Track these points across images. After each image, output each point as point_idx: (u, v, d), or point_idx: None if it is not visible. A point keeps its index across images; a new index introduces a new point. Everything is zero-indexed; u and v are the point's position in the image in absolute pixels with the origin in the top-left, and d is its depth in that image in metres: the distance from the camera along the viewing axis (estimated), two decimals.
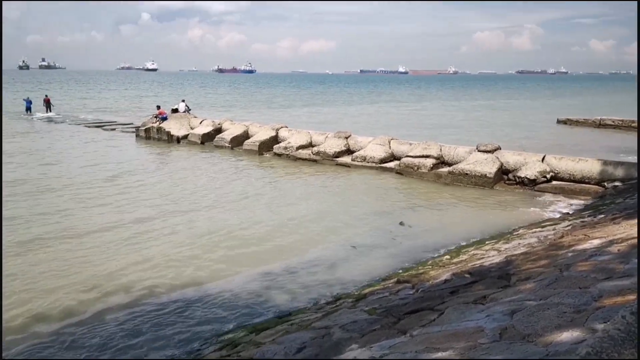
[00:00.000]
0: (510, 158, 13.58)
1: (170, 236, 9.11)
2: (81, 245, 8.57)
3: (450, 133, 23.98)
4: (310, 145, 18.10)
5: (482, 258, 6.68)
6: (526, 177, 12.78)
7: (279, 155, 18.03)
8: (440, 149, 14.99)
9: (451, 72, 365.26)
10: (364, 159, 15.96)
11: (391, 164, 15.60)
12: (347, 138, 17.46)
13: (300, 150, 17.73)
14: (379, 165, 15.58)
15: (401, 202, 11.86)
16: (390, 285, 6.34)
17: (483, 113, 39.00)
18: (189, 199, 11.92)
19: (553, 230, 7.94)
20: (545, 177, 12.73)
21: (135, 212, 10.64)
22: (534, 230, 8.56)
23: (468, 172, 13.42)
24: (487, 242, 8.26)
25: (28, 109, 31.43)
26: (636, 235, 4.93)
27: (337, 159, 16.62)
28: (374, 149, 16.15)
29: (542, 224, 9.17)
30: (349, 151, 17.05)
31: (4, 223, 9.62)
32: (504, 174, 13.49)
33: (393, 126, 27.24)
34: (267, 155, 18.37)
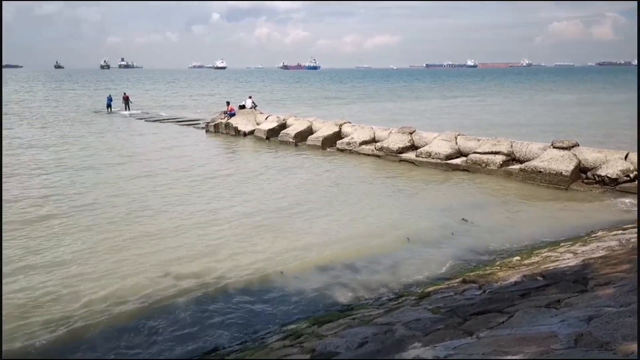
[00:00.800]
0: (589, 155, 12.70)
1: (237, 228, 9.43)
2: (157, 231, 9.09)
3: (523, 132, 22.83)
4: (373, 140, 17.98)
5: (557, 260, 6.32)
6: (607, 176, 11.89)
7: (342, 150, 18.07)
8: (511, 145, 14.33)
9: (524, 64, 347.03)
10: (429, 155, 15.61)
11: (457, 161, 15.13)
12: (411, 134, 17.15)
13: (363, 146, 17.67)
14: (445, 161, 15.16)
15: (467, 199, 11.48)
16: (455, 284, 6.17)
17: (562, 109, 36.75)
18: (252, 193, 12.26)
19: (636, 233, 7.34)
20: (628, 176, 11.78)
21: (205, 204, 11.11)
22: (614, 232, 7.97)
23: (542, 170, 12.72)
24: (561, 244, 7.80)
25: (109, 105, 33.72)
26: None
27: (400, 154, 16.39)
28: (439, 145, 15.74)
29: (624, 226, 8.51)
30: (413, 147, 16.75)
31: (87, 207, 10.43)
32: (582, 173, 12.64)
33: (459, 121, 26.39)
34: (330, 150, 18.48)
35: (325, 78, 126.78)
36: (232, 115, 23.88)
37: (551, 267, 5.83)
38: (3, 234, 8.42)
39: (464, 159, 15.00)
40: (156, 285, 6.90)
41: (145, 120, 28.88)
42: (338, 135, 19.16)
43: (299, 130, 20.27)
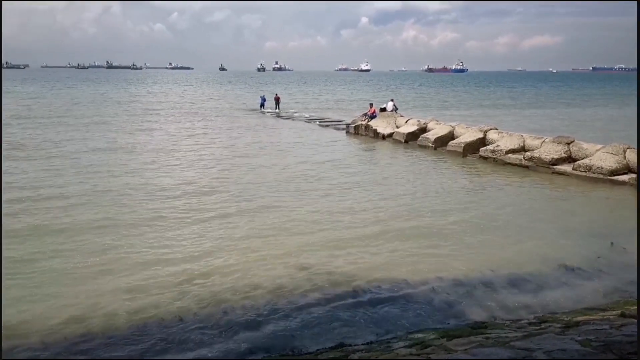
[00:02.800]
0: None
1: (368, 228, 9.50)
2: (293, 224, 9.63)
3: None
4: (522, 149, 16.62)
5: None
6: None
7: (485, 158, 17.04)
8: None
9: None
10: (589, 168, 13.90)
11: (624, 177, 13.22)
12: (568, 144, 15.46)
13: (509, 155, 16.44)
14: (608, 177, 13.36)
15: (631, 222, 9.95)
16: (611, 317, 5.40)
17: None
18: (389, 196, 12.23)
19: None
20: None
21: (341, 201, 11.42)
22: None
23: None
24: None
25: (262, 105, 36.66)
26: None
27: (554, 166, 14.88)
28: (603, 158, 13.92)
29: None
30: (569, 159, 15.08)
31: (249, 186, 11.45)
32: None
33: (631, 133, 22.96)
34: (472, 157, 17.56)
35: (472, 81, 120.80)
36: (373, 117, 24.16)
37: None
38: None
39: (632, 176, 13.05)
40: (290, 276, 7.30)
41: (292, 120, 30.75)
42: (482, 142, 18.11)
43: (439, 135, 19.66)
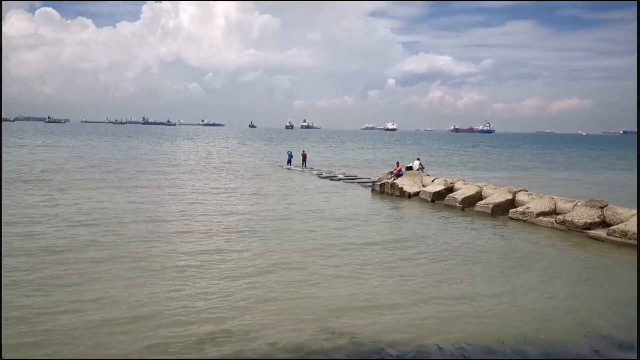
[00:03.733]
0: None
1: (395, 293, 9.20)
2: (316, 281, 9.41)
3: None
4: (553, 212, 16.17)
5: None
6: None
7: (515, 220, 16.61)
8: None
9: None
10: (625, 234, 13.33)
11: None
12: (602, 208, 14.97)
13: (540, 217, 15.99)
14: None
15: None
16: None
17: None
18: (415, 259, 11.93)
19: None
20: None
21: (365, 261, 11.18)
22: None
23: None
24: None
25: (289, 161, 37.27)
26: None
27: (587, 231, 14.34)
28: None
29: None
30: (603, 223, 14.55)
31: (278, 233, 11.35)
32: None
33: None
34: (501, 219, 17.13)
35: (499, 142, 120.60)
36: (399, 175, 24.14)
37: None
38: None
39: None
40: (313, 336, 7.04)
41: (319, 176, 31.00)
42: (511, 203, 17.74)
43: (467, 194, 19.39)
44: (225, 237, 13.20)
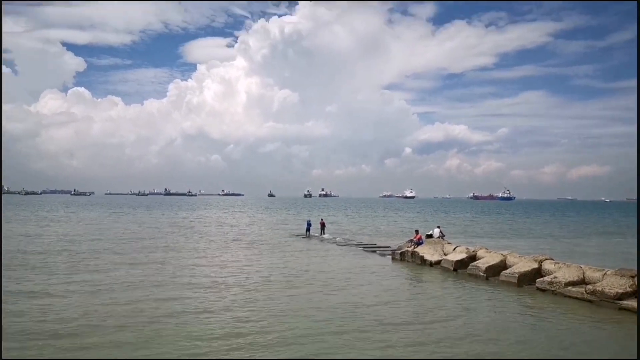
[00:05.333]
0: None
1: None
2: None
3: None
4: (582, 282, 15.54)
5: None
6: None
7: (542, 290, 15.98)
8: None
9: None
10: None
11: None
12: (633, 277, 14.36)
13: (569, 287, 15.36)
14: None
15: None
16: None
17: None
18: (443, 337, 11.47)
19: None
20: None
21: (386, 341, 10.77)
22: None
23: None
24: None
25: (308, 229, 37.20)
26: None
27: (619, 301, 13.68)
28: None
29: None
30: (636, 293, 13.88)
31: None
32: None
33: None
34: (527, 289, 16.51)
35: (520, 209, 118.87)
36: (419, 243, 23.77)
37: None
38: None
39: None
40: None
41: (337, 244, 30.73)
42: (537, 272, 17.16)
43: (490, 263, 18.87)
44: (245, 315, 12.94)
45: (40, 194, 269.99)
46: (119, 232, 36.90)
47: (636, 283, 14.15)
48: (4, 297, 12.83)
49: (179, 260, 22.07)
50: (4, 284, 14.70)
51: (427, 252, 22.65)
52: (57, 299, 13.89)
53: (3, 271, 16.21)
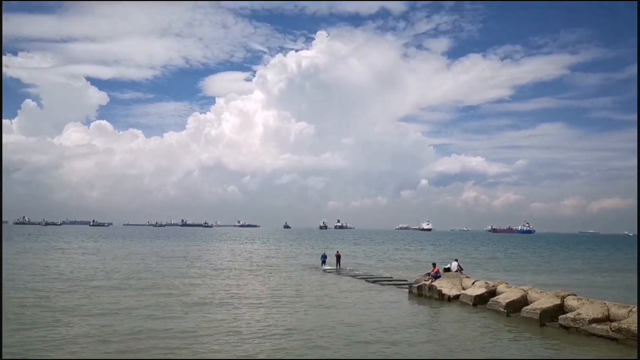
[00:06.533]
0: None
1: None
2: None
3: None
4: (607, 319, 15.00)
5: None
6: None
7: (566, 327, 15.45)
8: None
9: None
10: None
11: None
12: None
13: (594, 325, 14.83)
14: None
15: None
16: None
17: None
18: None
19: None
20: None
21: None
22: None
23: None
24: None
25: (323, 262, 36.93)
26: None
27: None
28: None
29: None
30: None
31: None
32: None
33: None
34: (550, 326, 15.98)
35: (541, 243, 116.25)
36: (436, 277, 23.34)
37: None
38: None
39: None
40: None
41: (353, 277, 30.35)
42: (560, 308, 16.63)
43: (511, 299, 18.37)
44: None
45: (60, 224, 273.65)
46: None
47: None
48: None
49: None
50: None
51: (446, 286, 22.19)
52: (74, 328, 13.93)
53: None
